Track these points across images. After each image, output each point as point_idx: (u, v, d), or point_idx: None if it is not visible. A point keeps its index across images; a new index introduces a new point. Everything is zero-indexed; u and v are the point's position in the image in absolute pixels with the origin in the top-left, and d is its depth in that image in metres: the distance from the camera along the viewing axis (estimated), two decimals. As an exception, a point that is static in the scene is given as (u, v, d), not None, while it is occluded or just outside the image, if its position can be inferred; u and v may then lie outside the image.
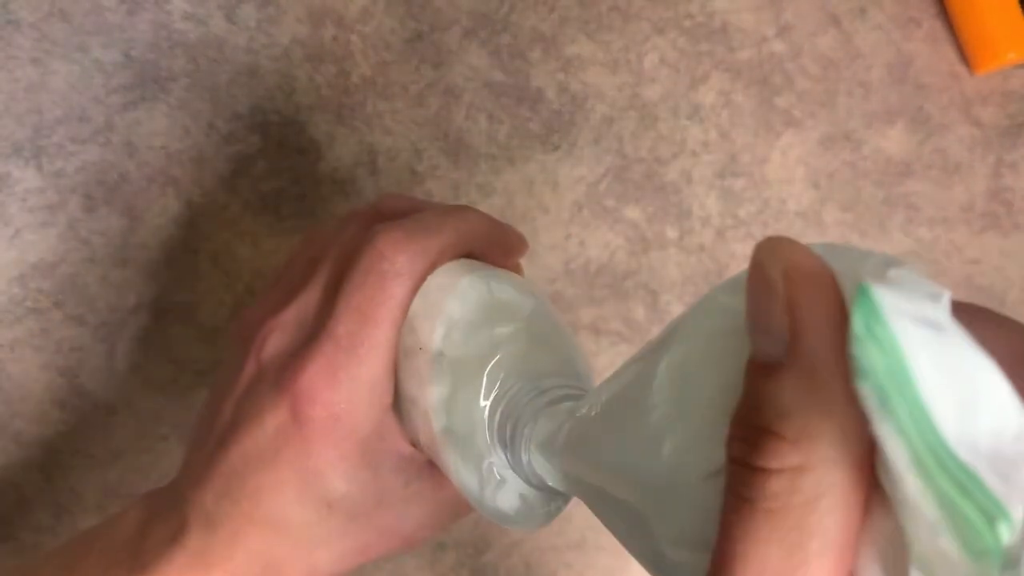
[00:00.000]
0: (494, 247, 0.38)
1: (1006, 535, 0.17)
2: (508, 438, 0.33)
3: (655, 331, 0.47)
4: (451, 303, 0.34)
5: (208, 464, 0.34)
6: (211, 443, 0.34)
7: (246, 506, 0.33)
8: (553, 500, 0.34)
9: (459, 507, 0.37)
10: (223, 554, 0.33)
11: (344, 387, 0.33)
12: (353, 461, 0.34)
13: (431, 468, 0.36)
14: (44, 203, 0.46)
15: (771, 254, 0.21)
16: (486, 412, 0.33)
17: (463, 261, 0.36)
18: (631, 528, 0.27)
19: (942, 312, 0.19)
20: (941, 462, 0.18)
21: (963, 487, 0.18)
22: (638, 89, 0.48)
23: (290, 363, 0.34)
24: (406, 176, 0.47)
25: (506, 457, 0.33)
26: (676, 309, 0.47)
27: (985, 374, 0.19)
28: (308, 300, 0.35)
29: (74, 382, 0.46)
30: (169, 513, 0.34)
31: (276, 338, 0.35)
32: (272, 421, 0.33)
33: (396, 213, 0.37)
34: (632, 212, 0.48)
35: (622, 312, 0.47)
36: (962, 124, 0.48)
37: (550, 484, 0.32)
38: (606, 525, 0.29)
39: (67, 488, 0.46)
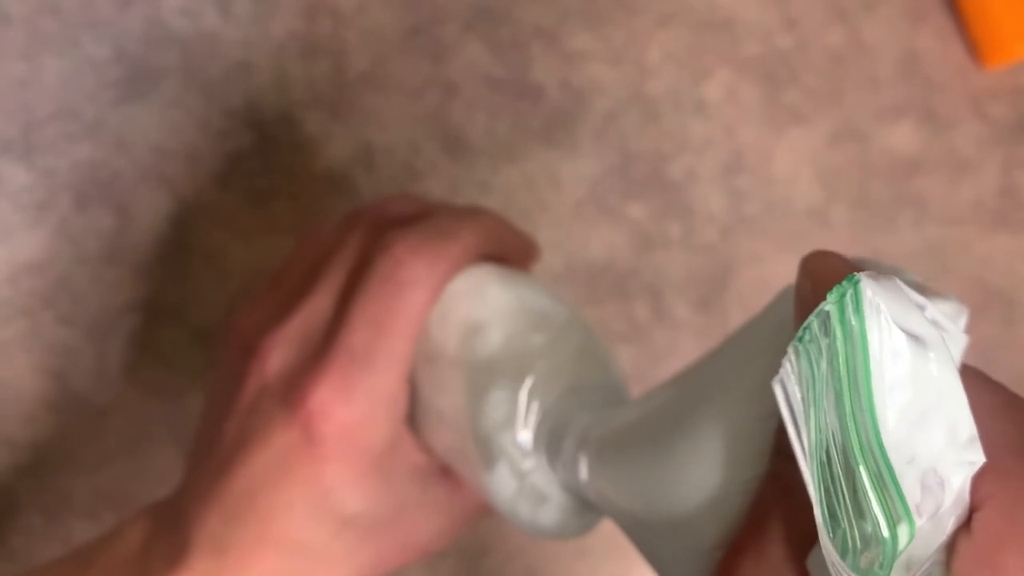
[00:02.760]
0: (509, 251, 0.36)
1: (904, 539, 0.19)
2: (548, 449, 0.32)
3: (658, 332, 0.47)
4: (480, 309, 0.33)
5: (212, 485, 0.33)
6: (214, 462, 0.33)
7: (256, 527, 0.32)
8: (589, 512, 0.33)
9: (476, 512, 0.36)
10: None
11: (359, 403, 0.32)
12: (368, 477, 0.33)
13: (446, 475, 0.35)
14: (34, 201, 0.47)
15: (803, 267, 0.22)
16: (526, 423, 0.32)
17: (486, 265, 0.35)
18: (659, 537, 0.27)
19: (928, 327, 0.20)
20: (871, 453, 0.19)
21: (882, 483, 0.19)
22: (641, 84, 0.48)
23: (299, 378, 0.33)
24: (403, 173, 0.47)
25: (545, 468, 0.32)
26: (679, 309, 0.47)
27: (950, 393, 0.20)
28: (315, 309, 0.34)
29: (65, 384, 0.46)
30: (172, 533, 0.33)
31: (281, 351, 0.33)
32: (281, 439, 0.32)
33: (404, 216, 0.35)
34: (635, 210, 0.48)
35: (625, 312, 0.47)
36: (971, 120, 0.48)
37: (590, 497, 0.31)
38: (634, 540, 0.29)
39: (58, 491, 0.46)
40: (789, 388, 0.20)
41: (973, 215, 0.48)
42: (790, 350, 0.20)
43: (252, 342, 0.34)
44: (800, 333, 0.20)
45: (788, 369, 0.20)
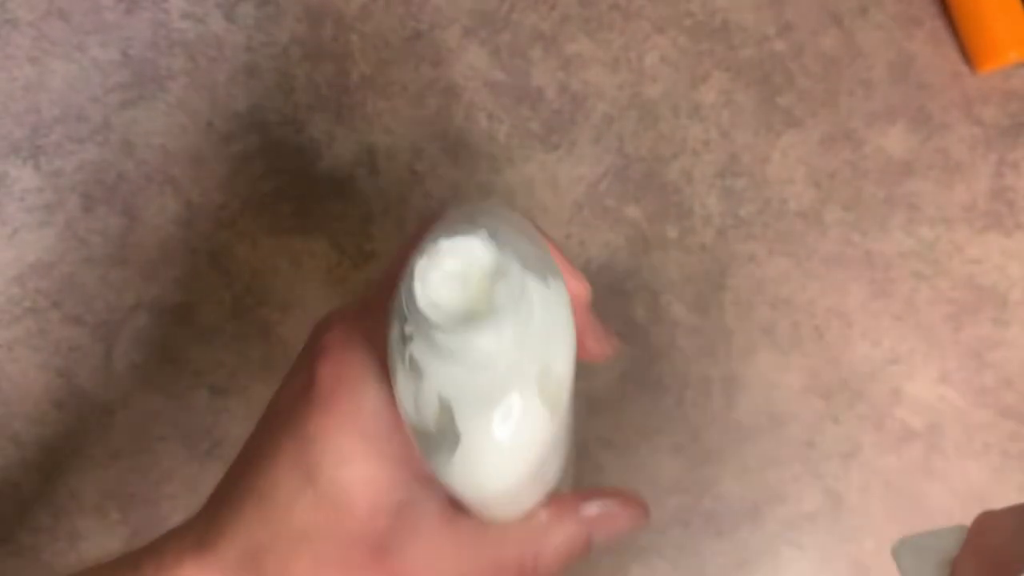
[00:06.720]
0: None
1: None
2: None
3: (655, 331, 0.47)
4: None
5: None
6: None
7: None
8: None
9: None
10: None
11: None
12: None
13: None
14: (42, 202, 0.47)
15: None
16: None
17: None
18: None
19: None
20: None
21: None
22: (638, 88, 0.48)
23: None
24: (405, 176, 0.48)
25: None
26: (676, 309, 0.47)
27: None
28: None
29: (72, 382, 0.46)
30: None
31: None
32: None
33: None
34: (632, 212, 0.48)
35: (622, 312, 0.47)
36: (963, 123, 0.48)
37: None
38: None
39: (65, 489, 0.46)
40: None
41: (965, 217, 0.48)
42: None
43: None
44: None
45: None
